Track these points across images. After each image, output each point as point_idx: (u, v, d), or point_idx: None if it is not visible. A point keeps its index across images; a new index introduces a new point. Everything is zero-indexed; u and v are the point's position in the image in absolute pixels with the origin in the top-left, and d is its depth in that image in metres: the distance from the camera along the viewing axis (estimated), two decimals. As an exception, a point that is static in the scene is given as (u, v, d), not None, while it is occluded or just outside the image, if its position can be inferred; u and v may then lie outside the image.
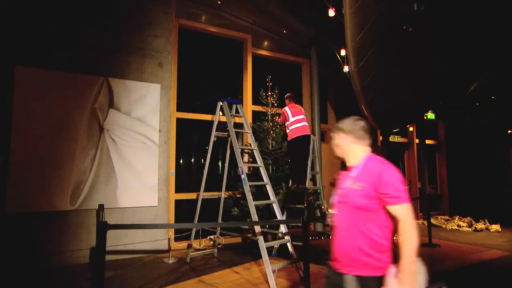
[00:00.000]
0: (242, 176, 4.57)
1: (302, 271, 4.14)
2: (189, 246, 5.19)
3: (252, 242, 6.19)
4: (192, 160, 6.89)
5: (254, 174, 6.27)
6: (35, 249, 4.63)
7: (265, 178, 4.95)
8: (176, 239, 5.84)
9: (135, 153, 5.50)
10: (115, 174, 5.29)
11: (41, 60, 4.90)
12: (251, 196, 4.37)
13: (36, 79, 4.83)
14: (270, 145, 6.18)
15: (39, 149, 4.78)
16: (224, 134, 5.42)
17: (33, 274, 4.40)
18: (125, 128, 5.46)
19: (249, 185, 4.49)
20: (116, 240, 5.16)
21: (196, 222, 5.15)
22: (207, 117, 6.77)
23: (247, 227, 6.07)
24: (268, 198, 4.92)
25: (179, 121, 6.30)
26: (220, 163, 6.96)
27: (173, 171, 6.01)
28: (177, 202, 6.12)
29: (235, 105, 5.48)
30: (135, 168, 5.47)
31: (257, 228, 4.31)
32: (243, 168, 4.65)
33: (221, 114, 5.36)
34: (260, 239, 4.08)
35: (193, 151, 6.91)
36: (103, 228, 3.01)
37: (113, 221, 5.12)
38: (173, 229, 5.76)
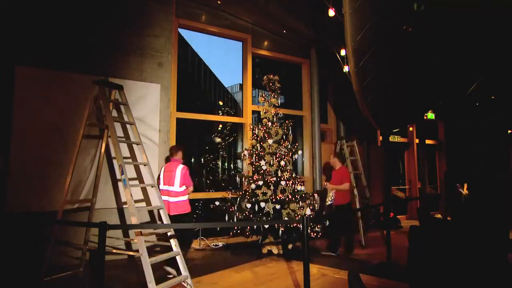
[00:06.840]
0: (122, 177, 3.79)
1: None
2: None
3: (252, 242, 6.19)
4: (192, 160, 6.90)
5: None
6: (35, 249, 4.62)
7: (118, 175, 3.89)
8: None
9: (135, 153, 5.49)
10: (115, 174, 5.28)
11: (41, 60, 4.89)
12: (133, 200, 3.72)
13: (36, 79, 4.83)
14: (274, 146, 6.16)
15: (39, 149, 4.77)
16: (100, 126, 4.79)
17: (33, 274, 4.39)
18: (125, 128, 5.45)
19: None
20: (116, 240, 5.15)
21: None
22: (208, 117, 6.78)
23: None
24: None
25: (179, 121, 6.30)
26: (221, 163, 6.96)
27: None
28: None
29: (116, 91, 4.68)
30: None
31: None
32: (123, 167, 3.82)
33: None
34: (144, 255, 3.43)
35: (193, 151, 6.91)
36: (103, 228, 3.01)
37: (113, 221, 5.11)
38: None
